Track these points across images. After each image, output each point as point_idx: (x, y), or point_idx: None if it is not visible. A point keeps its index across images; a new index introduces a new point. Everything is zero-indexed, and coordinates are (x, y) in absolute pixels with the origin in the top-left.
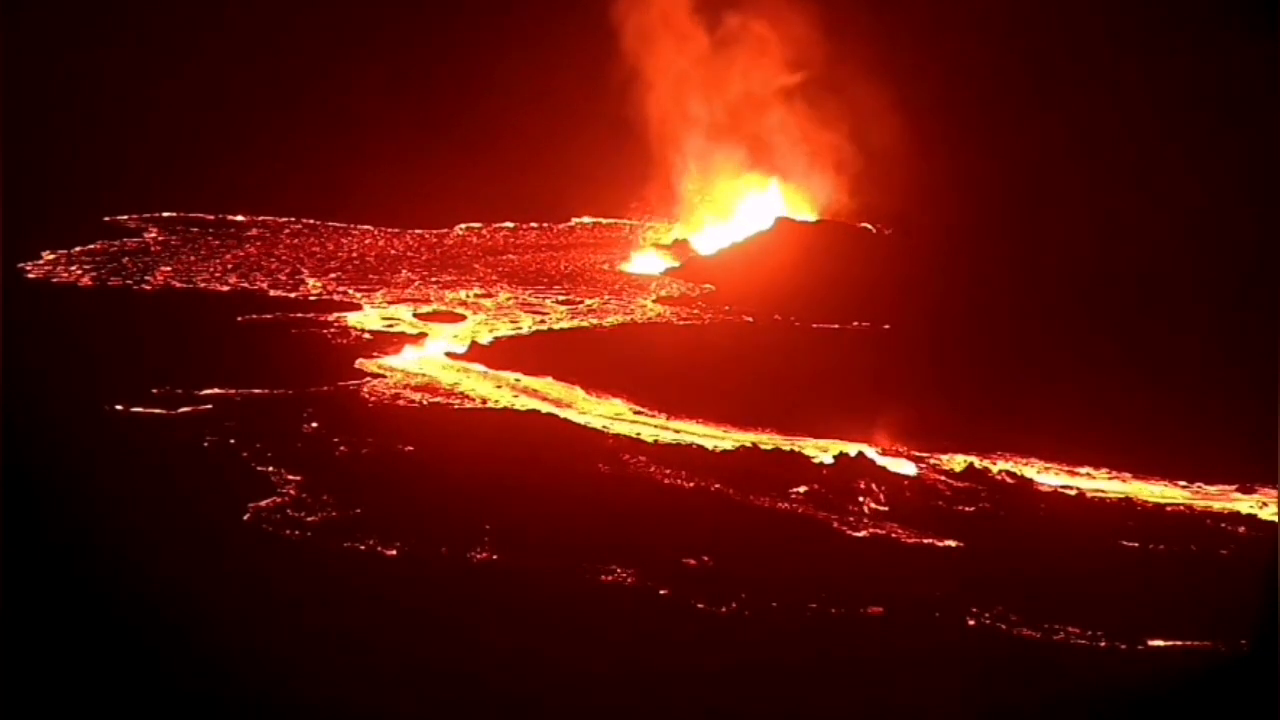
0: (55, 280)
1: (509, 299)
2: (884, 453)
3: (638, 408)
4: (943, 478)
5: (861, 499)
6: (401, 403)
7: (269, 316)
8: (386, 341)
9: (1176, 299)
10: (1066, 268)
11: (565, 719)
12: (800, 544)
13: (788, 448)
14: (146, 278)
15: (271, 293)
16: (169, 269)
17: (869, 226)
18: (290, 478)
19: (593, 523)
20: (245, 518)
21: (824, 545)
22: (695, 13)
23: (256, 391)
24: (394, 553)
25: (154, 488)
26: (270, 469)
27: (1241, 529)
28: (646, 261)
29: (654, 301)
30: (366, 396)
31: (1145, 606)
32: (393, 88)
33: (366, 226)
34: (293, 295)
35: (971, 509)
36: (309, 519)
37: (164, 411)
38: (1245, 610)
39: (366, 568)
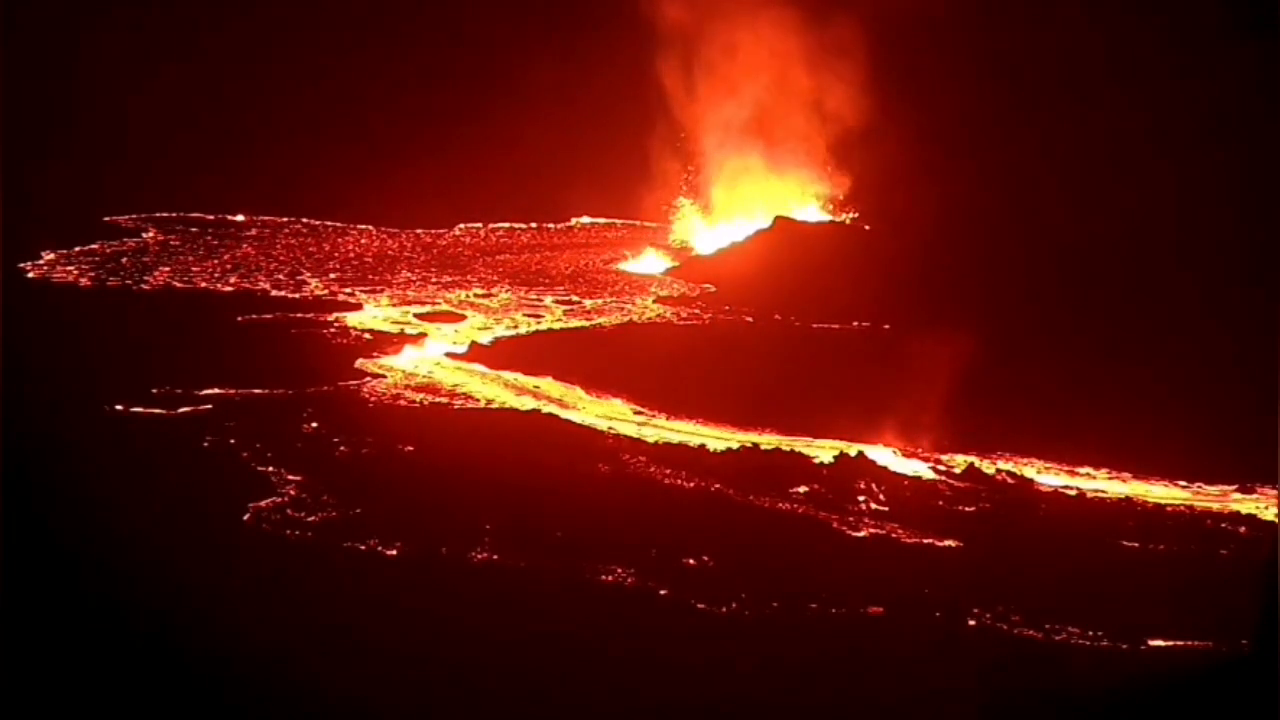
0: (55, 280)
1: (509, 299)
2: (898, 453)
3: (638, 408)
4: (943, 478)
5: (861, 499)
6: (401, 403)
7: (269, 316)
8: (386, 341)
9: (1177, 299)
10: (1067, 268)
11: (565, 719)
12: (800, 544)
13: (788, 448)
14: (146, 278)
15: (272, 293)
16: (169, 269)
17: (868, 227)
18: (290, 478)
19: (593, 523)
20: (245, 518)
21: (824, 545)
22: (702, 12)
23: (256, 391)
24: (394, 553)
25: (154, 488)
26: (270, 469)
27: (1241, 529)
28: (646, 261)
29: (654, 301)
30: (366, 396)
31: (1145, 606)
32: (393, 88)
33: (366, 226)
34: (293, 295)
35: (971, 509)
36: (309, 519)
37: (164, 411)
38: (1245, 610)
39: (366, 568)
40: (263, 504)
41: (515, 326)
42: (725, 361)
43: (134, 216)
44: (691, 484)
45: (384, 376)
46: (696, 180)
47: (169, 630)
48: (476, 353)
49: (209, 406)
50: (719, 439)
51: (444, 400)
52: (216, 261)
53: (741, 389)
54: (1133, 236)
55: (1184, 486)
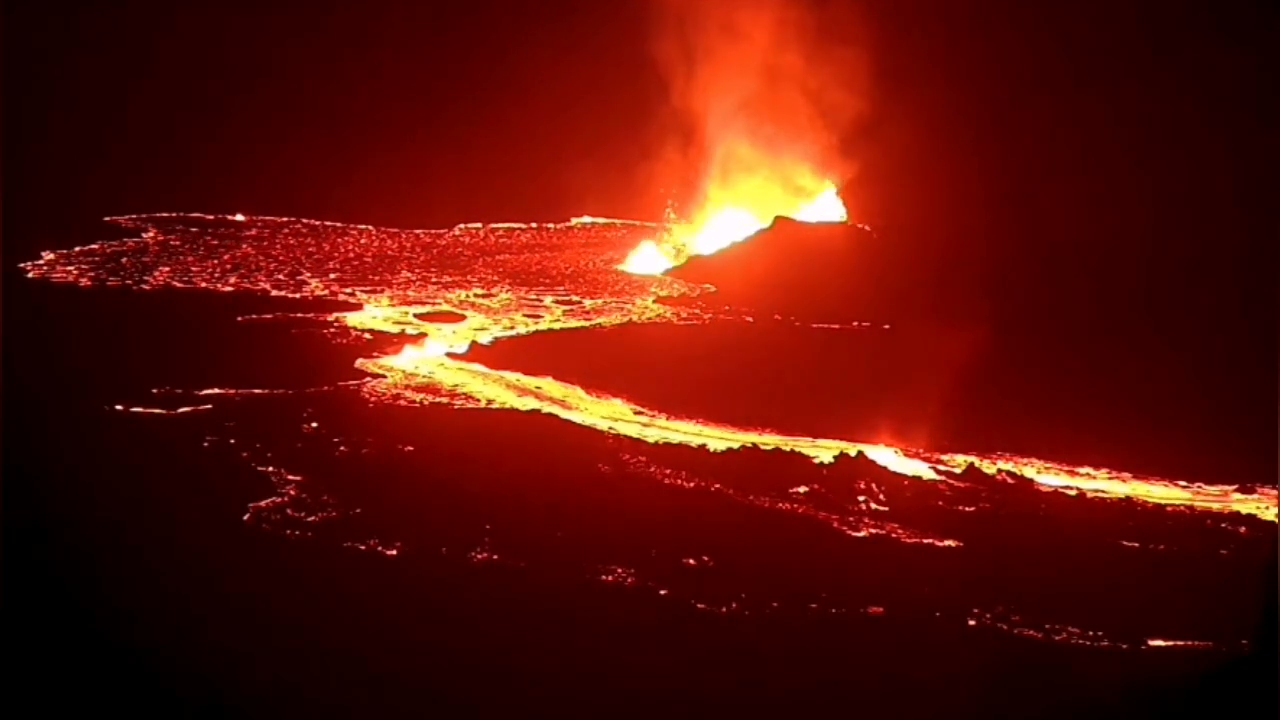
0: (55, 280)
1: (509, 299)
2: (899, 453)
3: (638, 408)
4: (943, 478)
5: (861, 499)
6: (401, 403)
7: (269, 316)
8: (386, 341)
9: (1177, 299)
10: (1067, 268)
11: (566, 718)
12: (800, 544)
13: (788, 448)
14: (146, 278)
15: (272, 293)
16: (169, 269)
17: (865, 227)
18: (290, 478)
19: (593, 523)
20: (245, 518)
21: (824, 545)
22: (704, 11)
23: (256, 391)
24: (394, 553)
25: (153, 488)
26: (270, 469)
27: (1242, 529)
28: (646, 261)
29: (654, 301)
30: (366, 396)
31: (1145, 606)
32: (393, 88)
33: (366, 226)
34: (293, 295)
35: (971, 509)
36: (309, 519)
37: (164, 411)
38: (1245, 610)
39: (366, 568)
40: (263, 504)
41: (515, 327)
42: (725, 361)
43: (134, 216)
44: (691, 484)
45: (384, 376)
46: (697, 180)
47: (169, 630)
48: (476, 353)
49: (209, 406)
50: (719, 439)
51: (444, 400)
52: (216, 261)
53: (741, 389)
54: (1133, 238)
55: (1184, 486)
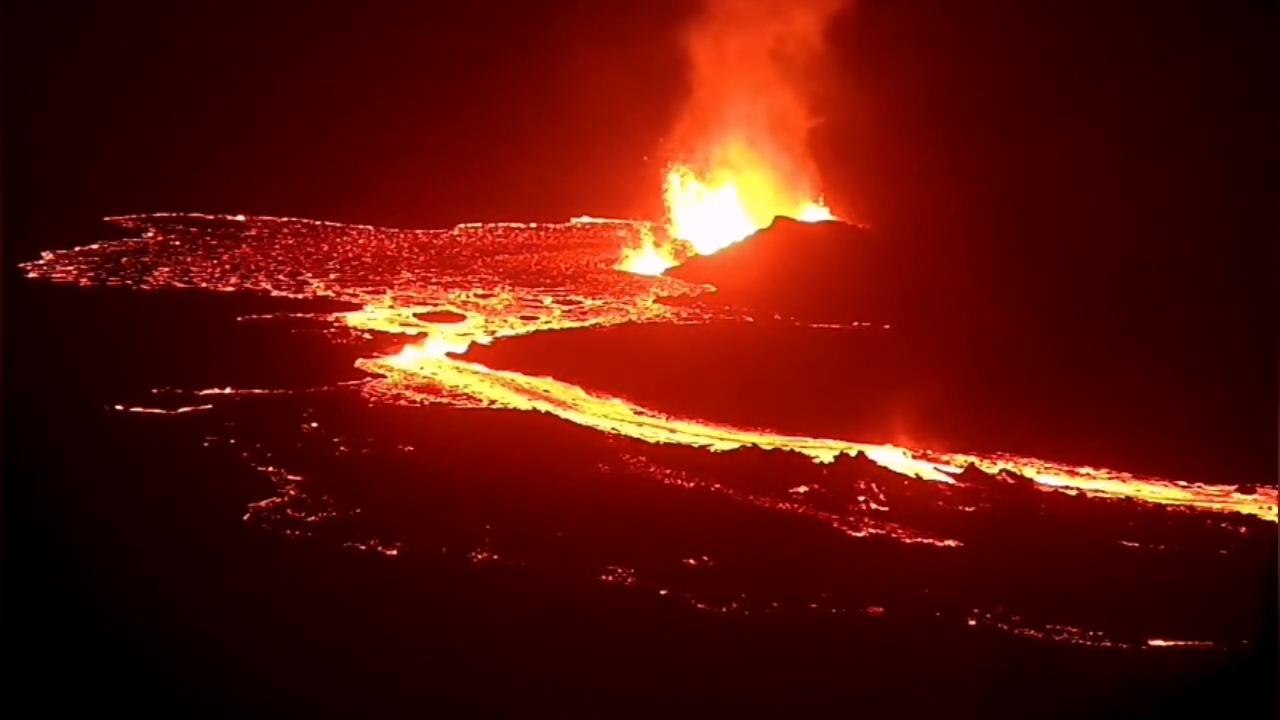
0: (55, 280)
1: (509, 299)
2: (905, 453)
3: (638, 408)
4: (943, 478)
5: (861, 499)
6: (402, 403)
7: (269, 316)
8: (386, 341)
9: (1176, 298)
10: (1067, 268)
11: (566, 718)
12: (800, 544)
13: (788, 448)
14: (146, 278)
15: (272, 293)
16: (169, 269)
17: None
18: (290, 478)
19: (593, 523)
20: (245, 518)
21: (824, 545)
22: (703, 11)
23: (256, 391)
24: (394, 553)
25: (153, 488)
26: (270, 469)
27: (1242, 529)
28: (646, 261)
29: (654, 301)
30: (366, 396)
31: (1145, 606)
32: (393, 87)
33: (365, 226)
34: (293, 295)
35: (971, 509)
36: (309, 519)
37: (164, 411)
38: (1245, 610)
39: (366, 568)
40: (263, 504)
41: (515, 327)
42: (725, 361)
43: (134, 216)
44: (691, 484)
45: (384, 376)
46: (697, 179)
47: (167, 630)
48: (477, 353)
49: (209, 406)
50: (719, 439)
51: (444, 400)
52: (216, 262)
53: (741, 389)
54: (1134, 236)
55: (1184, 486)
